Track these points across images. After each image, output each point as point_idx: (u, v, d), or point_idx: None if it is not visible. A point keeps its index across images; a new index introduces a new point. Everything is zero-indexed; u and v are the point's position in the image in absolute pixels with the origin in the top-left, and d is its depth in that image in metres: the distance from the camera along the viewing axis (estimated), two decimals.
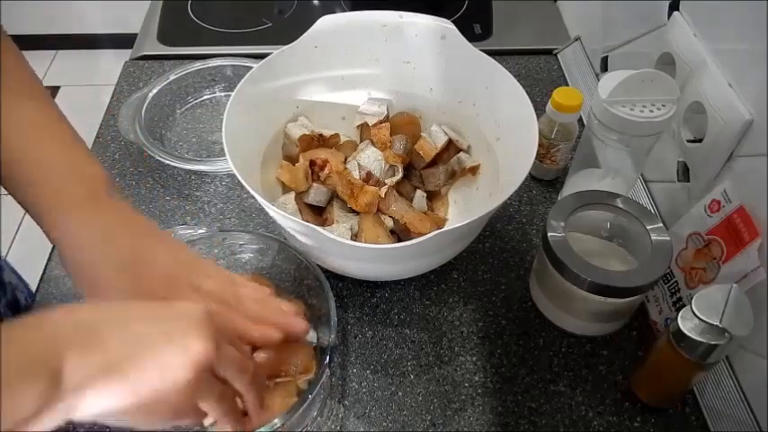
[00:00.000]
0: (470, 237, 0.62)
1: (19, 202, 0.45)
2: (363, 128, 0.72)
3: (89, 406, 0.33)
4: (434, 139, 0.70)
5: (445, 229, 0.51)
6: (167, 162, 0.73)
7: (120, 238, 0.43)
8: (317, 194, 0.65)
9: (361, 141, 0.72)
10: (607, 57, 0.83)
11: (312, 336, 0.58)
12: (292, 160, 0.68)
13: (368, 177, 0.66)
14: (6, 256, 0.71)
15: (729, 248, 0.52)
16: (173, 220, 0.72)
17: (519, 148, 0.60)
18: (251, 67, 0.64)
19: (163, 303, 0.39)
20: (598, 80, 0.64)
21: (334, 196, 0.66)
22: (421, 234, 0.54)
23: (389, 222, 0.65)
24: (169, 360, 0.35)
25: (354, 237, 0.63)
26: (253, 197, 0.53)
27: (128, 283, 0.42)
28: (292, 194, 0.65)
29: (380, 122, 0.70)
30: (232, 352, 0.39)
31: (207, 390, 0.37)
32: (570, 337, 0.62)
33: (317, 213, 0.66)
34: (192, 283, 0.44)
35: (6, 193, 0.45)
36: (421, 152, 0.69)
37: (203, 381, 0.37)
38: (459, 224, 0.51)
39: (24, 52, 0.49)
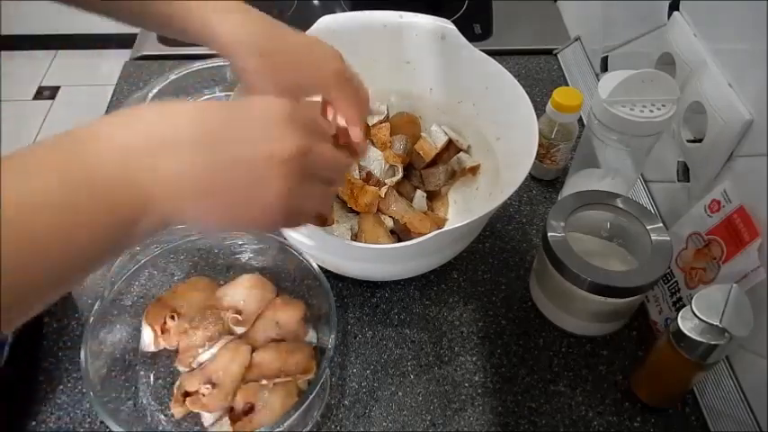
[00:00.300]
0: (470, 237, 0.62)
1: (134, 17, 0.50)
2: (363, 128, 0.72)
3: (183, 220, 0.34)
4: (434, 138, 0.70)
5: (445, 229, 0.51)
6: None
7: (258, 28, 0.49)
8: None
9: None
10: (607, 57, 0.83)
11: (312, 336, 0.59)
12: None
13: (368, 177, 0.66)
14: None
15: (729, 248, 0.52)
16: None
17: (519, 148, 0.60)
18: None
19: (244, 106, 0.37)
20: (598, 80, 0.64)
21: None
22: (421, 234, 0.54)
23: (389, 222, 0.65)
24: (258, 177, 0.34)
25: (354, 237, 0.63)
26: None
27: (267, 68, 0.47)
28: None
29: (380, 122, 0.70)
30: (323, 149, 0.37)
31: (303, 195, 0.36)
32: (570, 337, 0.62)
33: (317, 213, 0.66)
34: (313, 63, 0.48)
35: None
36: (421, 152, 0.69)
37: (296, 188, 0.35)
38: (459, 224, 0.51)
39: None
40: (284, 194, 0.35)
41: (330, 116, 0.50)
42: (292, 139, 0.35)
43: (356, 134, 0.48)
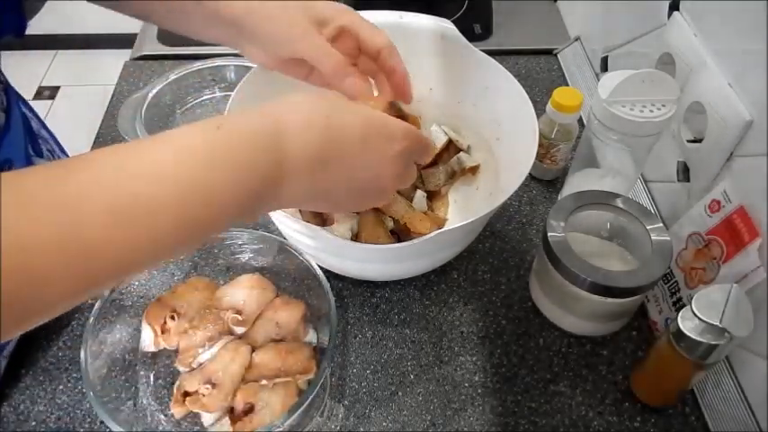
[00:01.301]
0: (470, 237, 0.62)
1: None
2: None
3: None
4: (434, 139, 0.70)
5: (445, 229, 0.51)
6: None
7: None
8: None
9: None
10: (607, 57, 0.83)
11: (312, 336, 0.59)
12: None
13: None
14: None
15: (729, 248, 0.52)
16: None
17: (519, 147, 0.60)
18: (251, 67, 0.64)
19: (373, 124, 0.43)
20: (598, 80, 0.64)
21: None
22: (421, 234, 0.54)
23: (389, 223, 0.65)
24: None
25: (354, 237, 0.63)
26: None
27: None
28: None
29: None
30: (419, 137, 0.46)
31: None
32: (570, 337, 0.62)
33: (317, 213, 0.66)
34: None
35: None
36: None
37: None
38: (459, 224, 0.51)
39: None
40: (396, 180, 0.45)
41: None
42: (402, 140, 0.43)
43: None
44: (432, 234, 0.49)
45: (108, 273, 0.30)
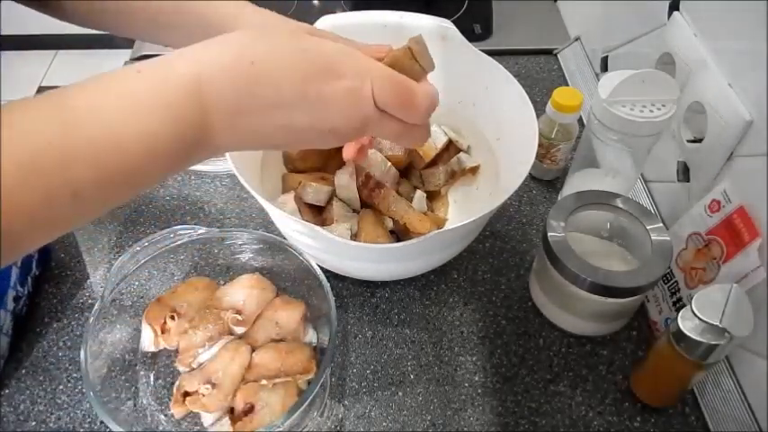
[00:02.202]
0: (470, 237, 0.62)
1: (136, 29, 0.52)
2: None
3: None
4: (434, 139, 0.69)
5: (444, 229, 0.51)
6: None
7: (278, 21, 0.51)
8: (316, 194, 0.65)
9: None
10: (607, 57, 0.83)
11: (312, 336, 0.59)
12: (292, 159, 0.68)
13: (367, 179, 0.66)
14: None
15: (729, 248, 0.52)
16: (173, 220, 0.72)
17: (519, 148, 0.60)
18: None
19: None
20: (598, 80, 0.64)
21: (333, 196, 0.66)
22: (420, 234, 0.54)
23: (389, 223, 0.65)
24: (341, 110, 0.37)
25: (354, 236, 0.63)
26: (253, 197, 0.53)
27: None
28: (292, 194, 0.65)
29: None
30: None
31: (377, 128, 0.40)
32: (570, 337, 0.62)
33: (317, 213, 0.66)
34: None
35: None
36: (420, 152, 0.69)
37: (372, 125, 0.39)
38: (458, 225, 0.51)
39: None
40: (350, 128, 0.38)
41: None
42: (352, 78, 0.37)
43: None
44: (430, 234, 0.49)
45: (23, 226, 0.29)
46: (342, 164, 0.71)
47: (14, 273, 0.60)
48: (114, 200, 0.34)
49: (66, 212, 0.31)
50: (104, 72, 0.33)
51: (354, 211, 0.66)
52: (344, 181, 0.64)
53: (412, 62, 0.42)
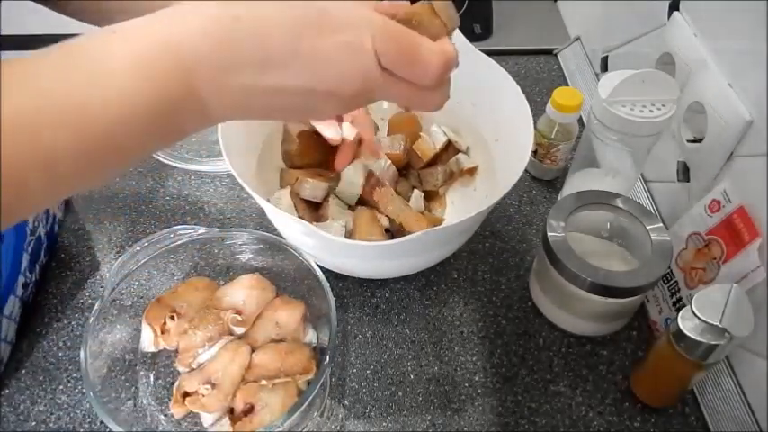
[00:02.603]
0: (465, 236, 0.62)
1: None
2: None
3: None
4: (433, 139, 0.70)
5: (434, 228, 0.51)
6: (167, 162, 0.73)
7: None
8: (313, 190, 0.64)
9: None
10: (607, 57, 0.83)
11: (312, 336, 0.59)
12: (291, 156, 0.68)
13: (369, 176, 0.66)
14: None
15: (729, 248, 0.52)
16: (173, 220, 0.72)
17: (516, 149, 0.60)
18: None
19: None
20: (598, 80, 0.64)
21: (330, 192, 0.66)
22: None
23: (385, 221, 0.65)
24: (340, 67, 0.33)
25: (349, 234, 0.63)
26: (253, 197, 0.53)
27: None
28: (287, 189, 0.65)
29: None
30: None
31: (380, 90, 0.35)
32: (570, 337, 0.62)
33: (314, 209, 0.66)
34: None
35: None
36: (419, 152, 0.69)
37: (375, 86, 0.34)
38: (449, 224, 0.51)
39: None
40: (350, 93, 0.34)
41: None
42: (353, 29, 0.33)
43: None
44: (421, 232, 0.49)
45: None
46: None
47: (25, 259, 0.61)
48: (96, 171, 0.31)
49: (38, 186, 0.28)
50: (79, 36, 0.30)
51: (350, 208, 0.66)
52: (353, 177, 0.64)
53: (431, 17, 0.37)
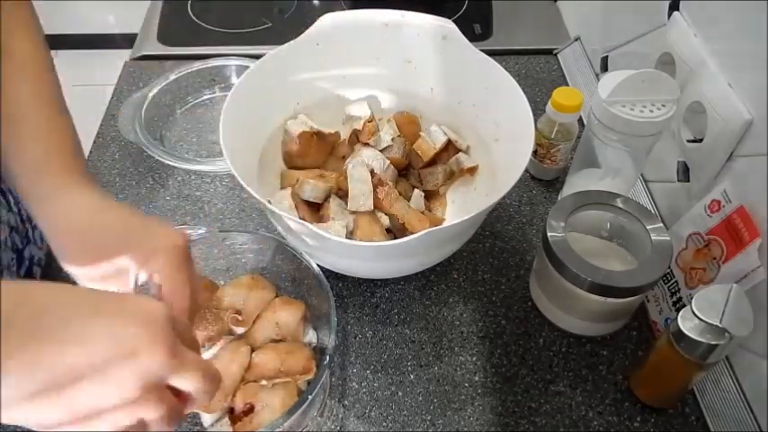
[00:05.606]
0: (465, 236, 0.62)
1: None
2: (353, 132, 0.72)
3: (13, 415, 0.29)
4: (434, 139, 0.70)
5: (435, 228, 0.51)
6: (167, 162, 0.73)
7: (83, 213, 0.46)
8: (314, 191, 0.64)
9: (356, 143, 0.72)
10: (607, 57, 0.83)
11: (312, 336, 0.59)
12: (291, 157, 0.68)
13: (371, 175, 0.66)
14: None
15: (729, 248, 0.52)
16: (173, 220, 0.72)
17: (516, 149, 0.60)
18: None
19: (117, 298, 0.33)
20: (598, 80, 0.64)
21: (330, 193, 0.66)
22: None
23: (386, 221, 0.65)
24: (116, 377, 0.30)
25: (350, 234, 0.63)
26: (253, 197, 0.53)
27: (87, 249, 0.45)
28: (288, 190, 0.65)
29: (367, 122, 0.70)
30: (192, 356, 0.34)
31: (154, 405, 0.32)
32: (570, 337, 0.62)
33: (314, 210, 0.66)
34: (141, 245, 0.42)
35: None
36: (419, 152, 0.69)
37: (152, 396, 0.32)
38: (449, 224, 0.51)
39: None
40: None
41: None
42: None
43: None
44: (423, 232, 0.49)
45: None
46: (340, 162, 0.71)
47: (26, 259, 0.61)
48: None
49: None
50: None
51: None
52: (360, 174, 0.64)
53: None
